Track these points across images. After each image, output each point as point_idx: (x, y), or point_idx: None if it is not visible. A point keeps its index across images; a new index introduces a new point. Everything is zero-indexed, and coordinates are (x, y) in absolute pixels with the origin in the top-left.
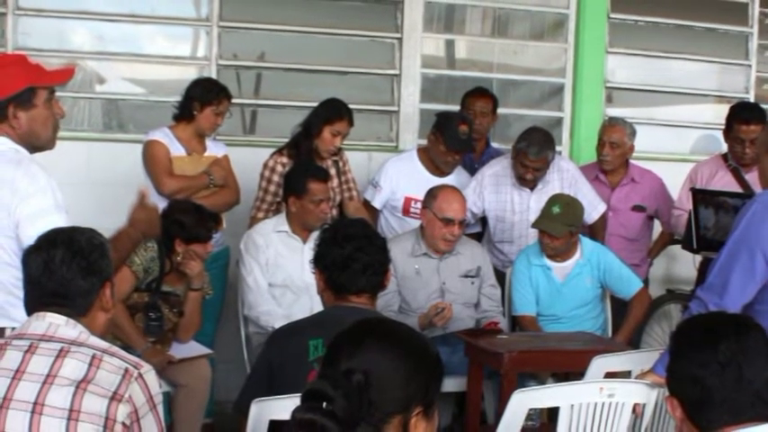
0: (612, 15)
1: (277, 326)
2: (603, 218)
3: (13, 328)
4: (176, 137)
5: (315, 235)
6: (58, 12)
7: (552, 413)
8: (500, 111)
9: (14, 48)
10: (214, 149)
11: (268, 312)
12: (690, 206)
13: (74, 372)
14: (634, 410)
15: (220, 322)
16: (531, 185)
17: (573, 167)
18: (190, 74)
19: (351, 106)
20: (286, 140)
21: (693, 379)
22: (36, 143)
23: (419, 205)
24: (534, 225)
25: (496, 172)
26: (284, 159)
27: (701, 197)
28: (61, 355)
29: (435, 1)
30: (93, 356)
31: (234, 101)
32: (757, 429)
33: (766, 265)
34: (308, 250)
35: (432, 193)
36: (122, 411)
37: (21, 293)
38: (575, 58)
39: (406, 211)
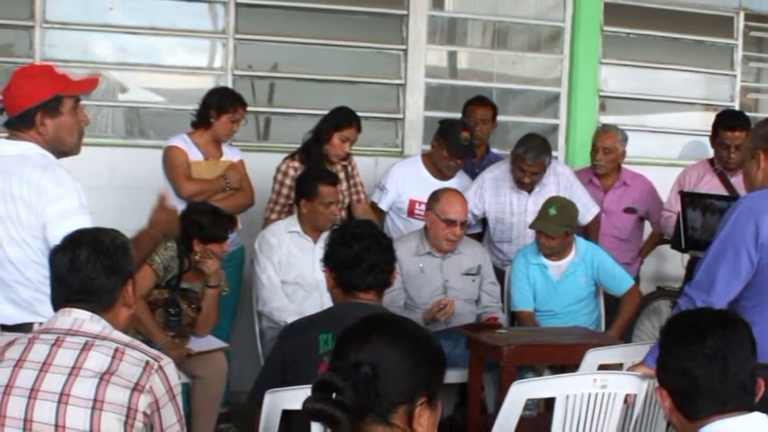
0: (605, 28)
1: (289, 321)
2: (597, 219)
3: (41, 323)
4: (194, 143)
5: (325, 235)
6: (82, 25)
7: (549, 403)
8: (499, 118)
9: (42, 59)
10: (230, 155)
11: (280, 308)
12: (678, 208)
13: (98, 364)
14: (626, 401)
15: (236, 317)
16: (529, 188)
17: (568, 172)
18: (207, 83)
19: (359, 114)
20: (298, 146)
21: (682, 371)
22: (62, 148)
23: (423, 207)
24: (532, 226)
25: (496, 176)
26: (296, 164)
27: (689, 199)
28: (86, 348)
29: (438, 15)
30: (116, 350)
31: (248, 109)
32: (741, 418)
33: (750, 264)
34: (318, 250)
35: (435, 196)
36: (144, 401)
37: (48, 290)
38: (570, 69)
39: (410, 213)
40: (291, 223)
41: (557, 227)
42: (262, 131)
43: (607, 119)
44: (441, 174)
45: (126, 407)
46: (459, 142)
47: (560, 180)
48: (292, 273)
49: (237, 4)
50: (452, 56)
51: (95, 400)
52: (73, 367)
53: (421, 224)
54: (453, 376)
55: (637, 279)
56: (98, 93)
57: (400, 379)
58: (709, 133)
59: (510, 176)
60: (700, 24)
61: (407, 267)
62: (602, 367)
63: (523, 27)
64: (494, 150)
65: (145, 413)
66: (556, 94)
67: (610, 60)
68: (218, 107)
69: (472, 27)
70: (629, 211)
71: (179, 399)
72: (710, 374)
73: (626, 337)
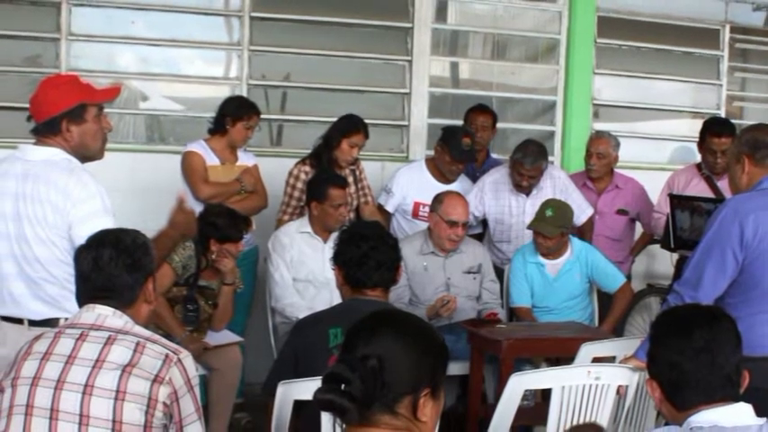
0: (599, 40)
1: (301, 316)
2: (591, 220)
3: (66, 319)
4: (211, 148)
5: (334, 235)
6: (106, 37)
7: (545, 394)
8: (499, 125)
9: (67, 69)
10: (245, 159)
11: (293, 304)
12: (668, 210)
13: (120, 357)
14: (618, 391)
15: (250, 313)
16: (527, 191)
17: (564, 175)
18: (223, 92)
19: (366, 121)
20: (309, 151)
21: (671, 363)
22: (86, 154)
23: (427, 209)
24: (530, 226)
25: (496, 179)
26: (307, 168)
27: (678, 202)
28: (109, 342)
29: (441, 27)
30: (138, 343)
31: (262, 116)
32: (727, 408)
33: (735, 262)
34: (328, 249)
35: (438, 199)
36: (163, 392)
37: (73, 287)
38: (565, 78)
39: (415, 215)
40: (303, 224)
41: (553, 227)
42: (275, 138)
43: (600, 126)
44: (443, 177)
45: (147, 397)
46: (461, 148)
47: (556, 183)
48: (303, 271)
49: (252, 18)
50: (455, 66)
51: (118, 391)
52: (97, 360)
53: (425, 225)
54: (455, 369)
55: (628, 277)
56: (120, 101)
57: (405, 371)
58: (697, 139)
59: (509, 180)
60: (688, 37)
61: (412, 266)
62: (596, 360)
63: (522, 39)
64: (494, 155)
65: (164, 403)
66: (552, 103)
67: (603, 71)
68: (234, 115)
69: (473, 39)
70: (621, 212)
71: (197, 390)
72: (698, 367)
73: (618, 331)
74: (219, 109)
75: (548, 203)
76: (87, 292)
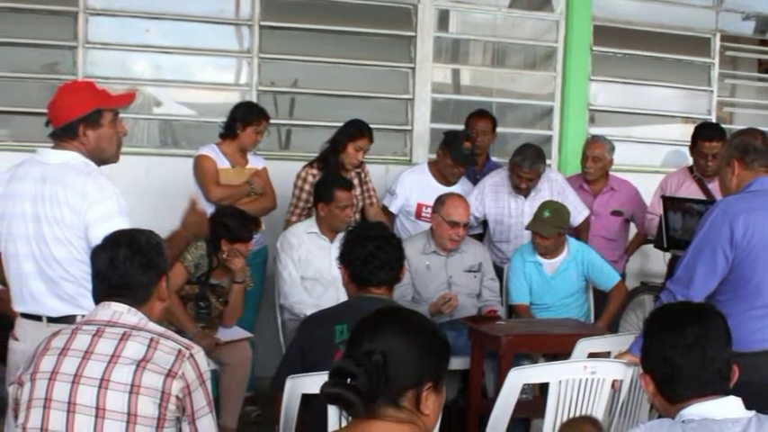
0: (595, 48)
1: (308, 313)
2: (587, 221)
3: (83, 316)
4: (222, 152)
5: (341, 236)
6: (121, 45)
7: (543, 388)
8: (499, 130)
9: (84, 75)
10: (254, 162)
11: (300, 302)
12: (661, 211)
13: (135, 352)
14: (613, 385)
15: (260, 310)
16: (526, 193)
17: (561, 178)
18: (234, 98)
19: (371, 126)
20: (316, 155)
21: (664, 358)
22: (102, 157)
23: (429, 210)
24: (528, 227)
25: (496, 182)
26: (314, 171)
27: (671, 203)
28: (124, 338)
29: (443, 36)
30: (152, 339)
31: (271, 121)
32: (718, 402)
33: (725, 262)
34: (334, 249)
35: (440, 200)
36: (176, 386)
37: (89, 286)
38: (562, 85)
39: (418, 216)
40: (310, 225)
41: (551, 228)
42: (283, 142)
43: (596, 130)
44: (445, 180)
45: (160, 391)
46: (462, 151)
47: (554, 186)
48: (311, 270)
49: (261, 27)
50: (456, 73)
51: (132, 385)
52: (112, 355)
53: (427, 226)
54: (456, 363)
55: (623, 275)
56: (135, 106)
57: (409, 366)
58: (689, 143)
59: (508, 182)
60: (680, 45)
61: (415, 265)
62: (592, 355)
63: (520, 47)
64: (493, 159)
65: (177, 397)
66: (550, 108)
67: (598, 77)
68: (244, 120)
69: (474, 47)
70: (616, 213)
71: (208, 384)
72: (690, 362)
73: (613, 327)
74: (230, 114)
75: (545, 205)
76: (103, 290)
